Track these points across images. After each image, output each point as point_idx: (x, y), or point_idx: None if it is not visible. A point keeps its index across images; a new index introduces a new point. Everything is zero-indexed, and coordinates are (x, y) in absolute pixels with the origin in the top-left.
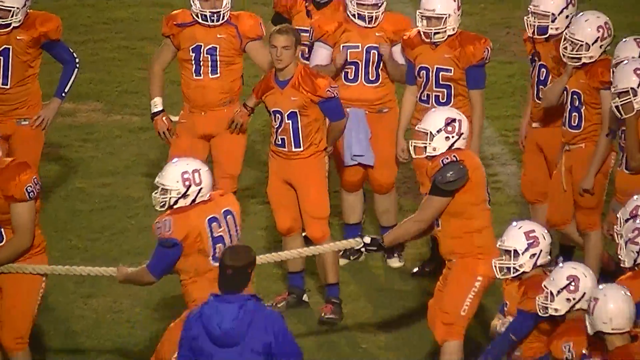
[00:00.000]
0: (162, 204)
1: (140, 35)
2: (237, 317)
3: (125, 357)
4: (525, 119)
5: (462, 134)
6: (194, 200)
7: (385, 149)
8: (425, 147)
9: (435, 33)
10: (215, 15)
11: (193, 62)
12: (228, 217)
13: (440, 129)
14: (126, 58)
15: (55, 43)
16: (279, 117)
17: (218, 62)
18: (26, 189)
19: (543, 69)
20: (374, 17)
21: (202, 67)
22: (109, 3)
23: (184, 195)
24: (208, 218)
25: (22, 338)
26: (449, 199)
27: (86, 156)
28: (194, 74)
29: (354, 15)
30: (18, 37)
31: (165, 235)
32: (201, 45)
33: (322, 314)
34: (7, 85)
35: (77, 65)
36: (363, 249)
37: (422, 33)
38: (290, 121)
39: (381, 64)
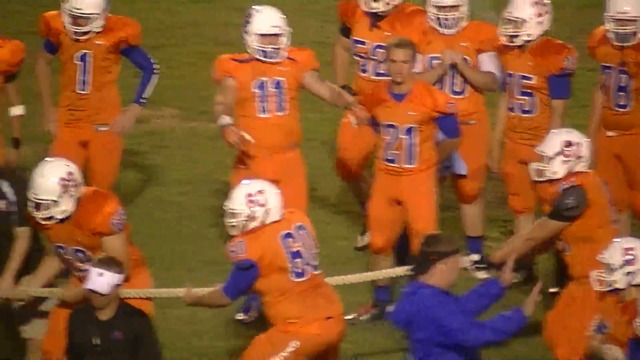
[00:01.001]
0: (234, 227)
1: (216, 39)
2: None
3: None
4: (594, 129)
5: (581, 157)
6: (263, 221)
7: (473, 160)
8: (545, 171)
9: (512, 36)
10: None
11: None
12: (301, 231)
13: (558, 152)
14: (201, 63)
15: (134, 49)
16: (393, 131)
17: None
18: (112, 222)
19: (623, 75)
20: (455, 21)
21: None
22: (184, 8)
23: (252, 218)
24: (282, 235)
25: None
26: (567, 224)
27: (163, 163)
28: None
29: (433, 21)
30: (97, 42)
31: (240, 257)
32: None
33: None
34: (86, 90)
35: (156, 71)
36: (471, 267)
37: (504, 38)
38: (406, 136)
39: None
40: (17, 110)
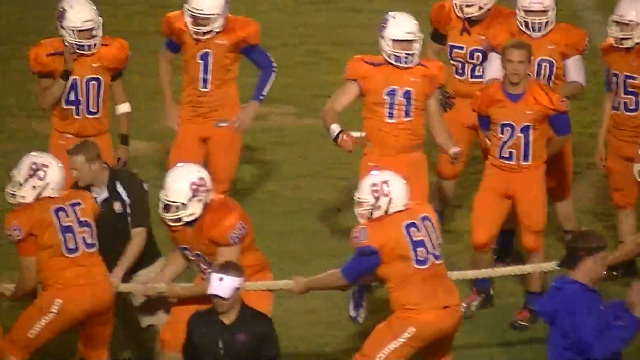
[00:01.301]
0: (359, 215)
1: (331, 40)
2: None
3: (319, 358)
4: (604, 130)
5: None
6: (387, 211)
7: (561, 160)
8: None
9: (622, 39)
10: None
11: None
12: (426, 222)
13: None
14: (317, 62)
15: (254, 48)
16: (509, 130)
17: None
18: (230, 236)
19: None
20: (543, 24)
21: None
22: (301, 8)
23: (376, 207)
24: (405, 224)
25: None
26: None
27: (279, 159)
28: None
29: (522, 24)
30: (218, 42)
31: (362, 243)
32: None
33: (516, 318)
34: (207, 88)
35: (275, 70)
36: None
37: (612, 39)
38: (522, 135)
39: (552, 76)
40: (124, 108)
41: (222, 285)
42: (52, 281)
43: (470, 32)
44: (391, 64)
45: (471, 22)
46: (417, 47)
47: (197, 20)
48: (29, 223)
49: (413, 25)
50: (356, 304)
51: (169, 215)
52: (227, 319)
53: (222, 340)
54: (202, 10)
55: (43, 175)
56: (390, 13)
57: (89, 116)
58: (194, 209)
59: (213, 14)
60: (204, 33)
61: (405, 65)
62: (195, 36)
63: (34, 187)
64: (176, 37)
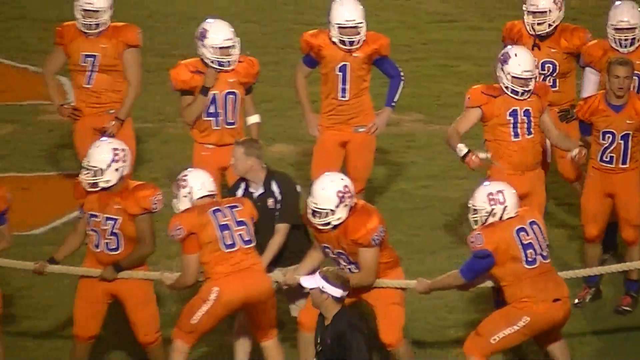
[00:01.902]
0: (474, 221)
1: (456, 54)
2: None
3: (443, 339)
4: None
5: None
6: (501, 217)
7: None
8: None
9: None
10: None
11: None
12: (534, 226)
13: None
14: (443, 75)
15: (385, 58)
16: (610, 137)
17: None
18: (372, 238)
19: None
20: (630, 41)
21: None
22: (428, 26)
23: (492, 214)
24: (516, 229)
25: None
26: None
27: (408, 161)
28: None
29: (612, 41)
30: (355, 55)
31: (478, 247)
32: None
33: (620, 304)
34: (345, 97)
35: (402, 79)
36: None
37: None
38: (622, 141)
39: None
40: (254, 119)
41: (308, 280)
42: (212, 273)
43: (540, 46)
44: (508, 94)
45: (541, 37)
46: (534, 83)
47: (345, 30)
48: (189, 224)
49: (532, 63)
50: None
51: (318, 221)
52: (326, 320)
53: (319, 337)
54: (354, 20)
55: (185, 184)
56: (511, 49)
57: (227, 127)
58: (341, 214)
59: (360, 24)
60: (350, 43)
61: (522, 98)
62: (343, 46)
63: (185, 196)
64: (315, 53)
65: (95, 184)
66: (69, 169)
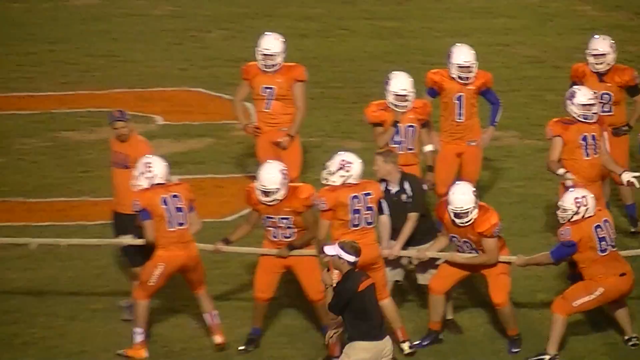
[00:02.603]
0: (562, 219)
1: (543, 87)
2: None
3: (534, 300)
4: None
5: None
6: (583, 216)
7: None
8: None
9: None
10: None
11: None
12: (606, 223)
13: None
14: (533, 102)
15: (489, 90)
16: None
17: None
18: (494, 231)
19: None
20: None
21: None
22: (522, 65)
23: (577, 213)
24: (594, 226)
25: None
26: None
27: (507, 167)
28: None
29: None
30: (469, 88)
31: (566, 238)
32: None
33: None
34: (461, 119)
35: (501, 105)
36: None
37: None
38: None
39: None
40: (429, 147)
41: (330, 249)
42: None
43: (602, 82)
44: (581, 121)
45: (600, 74)
46: (597, 108)
47: (462, 69)
48: (332, 201)
49: (593, 94)
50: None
51: (462, 220)
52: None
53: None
54: (469, 61)
55: (349, 169)
56: (575, 87)
57: (408, 152)
58: (475, 214)
59: (473, 64)
60: (466, 78)
61: (592, 121)
62: (460, 81)
63: (342, 176)
64: (437, 87)
65: (273, 200)
66: (252, 172)
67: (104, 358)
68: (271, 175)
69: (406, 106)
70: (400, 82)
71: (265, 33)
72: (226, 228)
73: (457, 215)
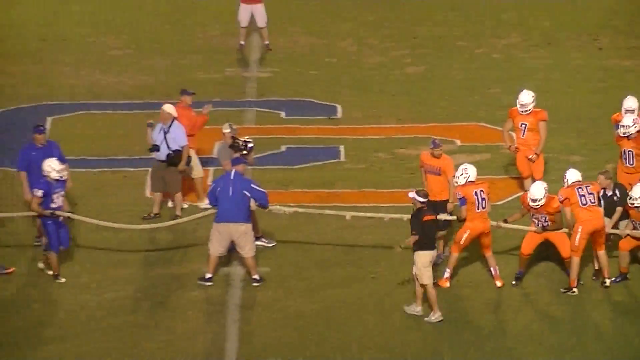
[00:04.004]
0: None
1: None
2: None
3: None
4: None
5: None
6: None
7: None
8: None
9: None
10: None
11: None
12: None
13: None
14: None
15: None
16: None
17: None
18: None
19: None
20: None
21: None
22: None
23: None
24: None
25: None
26: None
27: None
28: None
29: None
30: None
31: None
32: None
33: None
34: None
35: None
36: None
37: None
38: None
39: None
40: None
41: (411, 194)
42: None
43: None
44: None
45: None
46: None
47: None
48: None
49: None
50: None
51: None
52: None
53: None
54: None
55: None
56: (619, 125)
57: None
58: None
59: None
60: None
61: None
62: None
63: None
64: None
65: (537, 205)
66: (514, 175)
67: None
68: (538, 190)
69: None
70: None
71: (523, 90)
72: (500, 209)
73: (532, 200)
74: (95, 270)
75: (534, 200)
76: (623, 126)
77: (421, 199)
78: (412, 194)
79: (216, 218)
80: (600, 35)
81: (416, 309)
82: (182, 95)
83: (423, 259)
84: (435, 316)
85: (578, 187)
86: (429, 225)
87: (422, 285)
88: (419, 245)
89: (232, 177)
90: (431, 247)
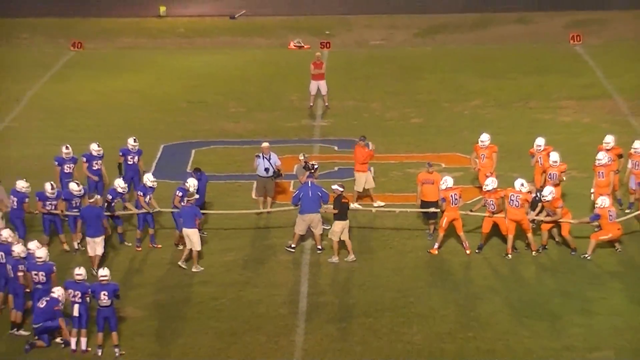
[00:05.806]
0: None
1: None
2: None
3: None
4: None
5: None
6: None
7: None
8: None
9: None
10: None
11: None
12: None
13: None
14: None
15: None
16: None
17: None
18: (560, 206)
19: None
20: None
21: None
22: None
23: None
24: (450, 194)
25: None
26: None
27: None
28: None
29: None
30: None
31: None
32: None
33: None
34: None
35: None
36: None
37: None
38: None
39: None
40: None
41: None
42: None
43: None
44: None
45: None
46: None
47: (481, 142)
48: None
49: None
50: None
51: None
52: None
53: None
54: (483, 140)
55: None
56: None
57: None
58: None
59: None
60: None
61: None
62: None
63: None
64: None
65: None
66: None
67: None
68: (493, 181)
69: None
70: None
71: (483, 133)
72: (468, 206)
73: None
74: (219, 243)
75: (487, 185)
76: (554, 161)
77: (341, 189)
78: (335, 186)
79: (300, 210)
80: (530, 100)
81: (334, 259)
82: (359, 140)
83: (337, 227)
84: (336, 259)
85: (512, 193)
86: (344, 205)
87: (337, 242)
88: (337, 217)
89: (309, 185)
90: (344, 219)
